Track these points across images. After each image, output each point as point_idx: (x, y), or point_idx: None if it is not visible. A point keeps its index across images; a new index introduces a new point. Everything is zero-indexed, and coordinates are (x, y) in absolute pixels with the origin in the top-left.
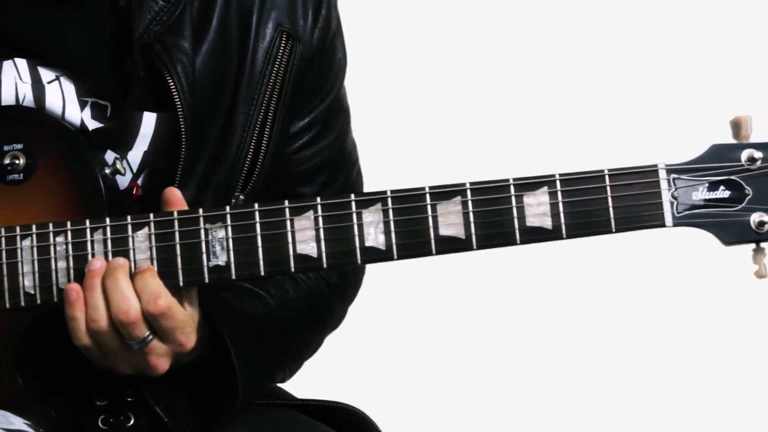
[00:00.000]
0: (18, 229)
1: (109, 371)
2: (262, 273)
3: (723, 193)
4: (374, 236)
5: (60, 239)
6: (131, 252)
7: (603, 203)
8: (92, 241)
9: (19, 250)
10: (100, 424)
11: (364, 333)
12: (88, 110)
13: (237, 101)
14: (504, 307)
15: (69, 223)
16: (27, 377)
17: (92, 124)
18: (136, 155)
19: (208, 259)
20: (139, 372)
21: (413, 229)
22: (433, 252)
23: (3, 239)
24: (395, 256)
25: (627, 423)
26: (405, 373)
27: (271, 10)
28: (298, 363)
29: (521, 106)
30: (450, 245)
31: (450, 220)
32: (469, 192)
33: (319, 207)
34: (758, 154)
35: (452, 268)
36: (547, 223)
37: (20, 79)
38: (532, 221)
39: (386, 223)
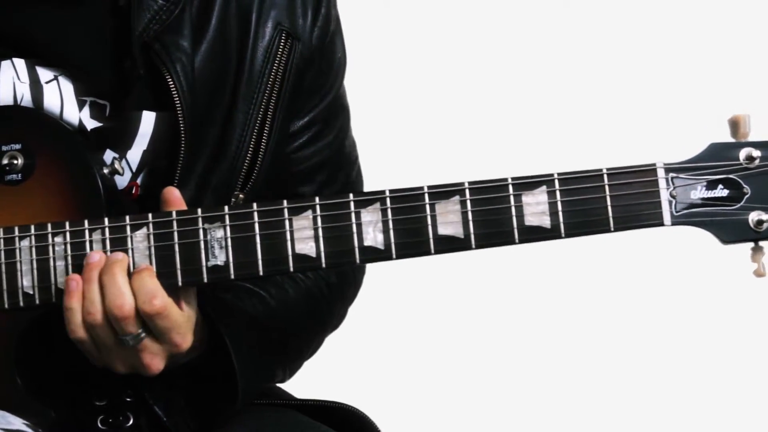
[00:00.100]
0: (16, 229)
1: (108, 372)
2: (261, 273)
3: (721, 191)
4: (373, 236)
5: (58, 239)
6: (130, 252)
7: (601, 202)
8: (91, 242)
9: (17, 251)
10: (100, 424)
11: (364, 333)
12: (86, 110)
13: (236, 100)
14: (503, 306)
15: (67, 224)
16: (26, 377)
17: (91, 124)
18: (135, 154)
19: (207, 259)
20: (134, 371)
21: (412, 229)
22: (432, 251)
23: (1, 240)
24: (394, 256)
25: (626, 422)
26: (405, 373)
27: (271, 9)
28: (298, 363)
29: (520, 105)
30: (449, 244)
31: (449, 220)
32: (467, 191)
33: (317, 207)
34: (756, 153)
35: (451, 267)
36: (546, 222)
37: (18, 79)
38: (530, 220)
39: (385, 223)
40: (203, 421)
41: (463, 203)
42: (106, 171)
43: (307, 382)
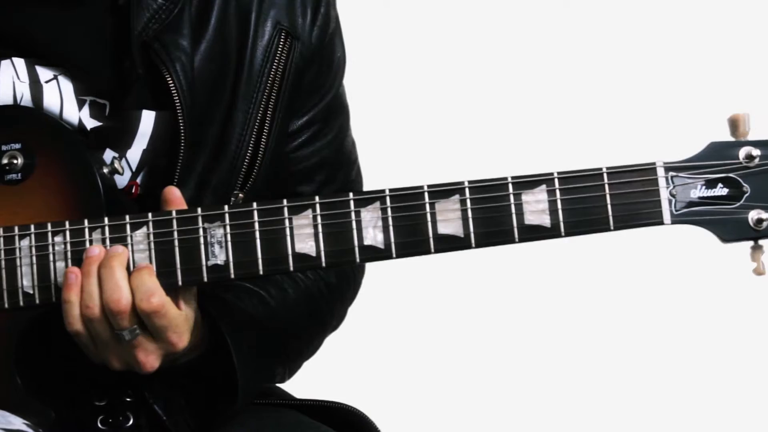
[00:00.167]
0: (16, 229)
1: (108, 371)
2: (261, 272)
3: (721, 190)
4: (373, 235)
5: (58, 239)
6: (130, 251)
7: (601, 201)
8: (91, 241)
9: (17, 250)
10: (100, 424)
11: (364, 333)
12: (86, 109)
13: (236, 99)
14: (503, 305)
15: (67, 223)
16: (26, 377)
17: (90, 123)
18: (135, 154)
19: (207, 258)
20: (129, 367)
21: (412, 228)
22: (432, 250)
23: (1, 239)
24: (394, 255)
25: (626, 421)
26: (405, 373)
27: (270, 9)
28: (298, 363)
29: (519, 104)
30: (449, 243)
31: (448, 219)
32: (467, 190)
33: (317, 206)
34: (756, 152)
35: (451, 266)
36: (546, 221)
37: (18, 78)
38: (530, 219)
39: (385, 222)
40: (203, 420)
41: (462, 202)
42: (105, 170)
43: (307, 382)
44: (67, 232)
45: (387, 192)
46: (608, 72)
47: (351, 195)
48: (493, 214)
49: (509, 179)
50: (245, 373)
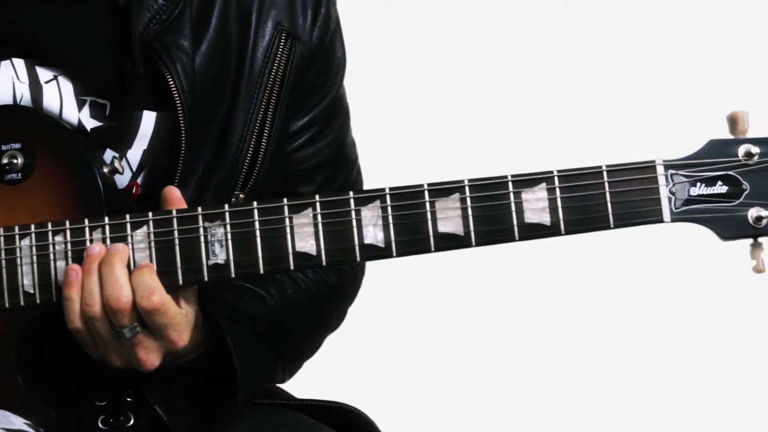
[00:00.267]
0: (17, 228)
1: (109, 372)
2: (262, 271)
3: (720, 188)
4: (373, 233)
5: (59, 238)
6: (130, 251)
7: (601, 199)
8: (91, 240)
9: (18, 250)
10: (100, 424)
11: (364, 333)
12: (86, 109)
13: (237, 100)
14: (503, 304)
15: (68, 223)
16: (27, 377)
17: (90, 123)
18: (135, 154)
19: (207, 258)
20: (130, 365)
21: (412, 226)
22: (432, 249)
23: (2, 239)
24: (394, 253)
25: (625, 420)
26: (405, 373)
27: (271, 9)
28: (298, 363)
29: (519, 103)
30: (449, 242)
31: (449, 217)
32: (467, 189)
33: (317, 204)
34: (755, 149)
35: (451, 265)
36: (546, 219)
37: (17, 78)
38: (530, 217)
39: (385, 220)
40: (204, 420)
41: (463, 200)
42: (106, 170)
43: (307, 382)
44: (68, 232)
45: (387, 190)
46: (607, 70)
47: (351, 194)
48: (493, 213)
49: (509, 177)
50: (246, 373)
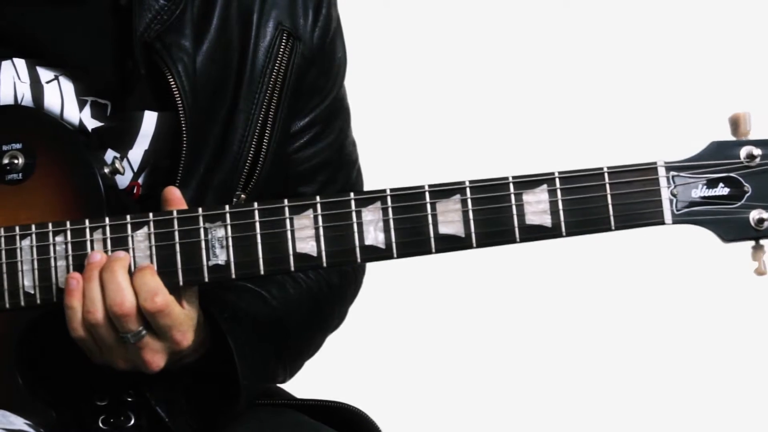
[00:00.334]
0: (17, 228)
1: (109, 372)
2: (262, 272)
3: (722, 190)
4: (374, 235)
5: (59, 239)
6: (131, 251)
7: (602, 201)
8: (92, 241)
9: (18, 250)
10: (101, 424)
11: (364, 333)
12: (87, 109)
13: (238, 100)
14: (504, 305)
15: (68, 223)
16: (28, 377)
17: (92, 123)
18: (136, 154)
19: (208, 258)
20: (135, 368)
21: (413, 228)
22: (433, 250)
23: (2, 239)
24: (395, 255)
25: (626, 421)
26: (405, 373)
27: (272, 10)
28: (299, 363)
29: (520, 104)
30: (449, 243)
31: (449, 219)
32: (468, 190)
33: (318, 206)
34: (757, 151)
35: (452, 266)
36: (547, 221)
37: (19, 78)
38: (531, 219)
39: (386, 222)
40: (204, 421)
41: (463, 202)
42: (106, 170)
43: (307, 382)
44: (68, 232)
45: (388, 192)
46: (609, 71)
47: (352, 195)
48: (494, 214)
49: (510, 179)
50: (247, 374)
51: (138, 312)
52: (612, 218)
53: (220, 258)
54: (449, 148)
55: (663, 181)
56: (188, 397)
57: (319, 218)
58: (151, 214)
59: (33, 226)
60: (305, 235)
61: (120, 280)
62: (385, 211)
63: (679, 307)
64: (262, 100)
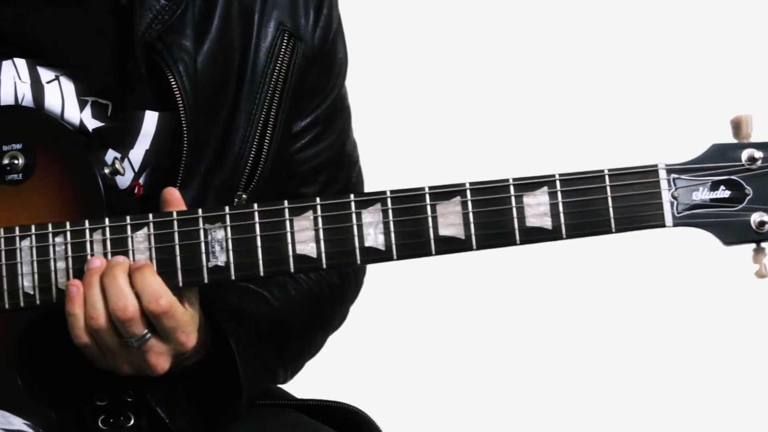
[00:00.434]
0: (17, 229)
1: (109, 371)
2: (262, 273)
3: (723, 193)
4: (374, 236)
5: (59, 239)
6: (130, 252)
7: (603, 203)
8: (91, 242)
9: (18, 251)
10: (101, 425)
11: (364, 333)
12: (88, 109)
13: (239, 101)
14: (504, 307)
15: (68, 224)
16: (27, 377)
17: (92, 124)
18: (137, 154)
19: (208, 260)
20: (140, 372)
21: (413, 230)
22: (433, 252)
23: (2, 240)
24: (395, 257)
25: (627, 423)
26: (405, 373)
27: (273, 10)
28: (300, 363)
29: (521, 106)
30: (450, 245)
31: (450, 221)
32: (468, 192)
33: (318, 207)
34: (759, 154)
35: (452, 268)
36: (547, 223)
37: (19, 78)
38: (531, 221)
39: (386, 224)
40: (205, 421)
41: (464, 204)
42: (106, 171)
43: (307, 382)
44: (68, 233)
45: (388, 193)
46: (610, 74)
47: (352, 196)
48: (494, 217)
49: (511, 181)
50: (248, 375)
51: (142, 315)
52: (612, 221)
53: (220, 259)
54: (450, 149)
55: (664, 184)
56: (189, 397)
57: (319, 220)
58: (150, 215)
59: (33, 227)
60: (305, 237)
61: (121, 284)
62: (385, 212)
63: (680, 310)
64: (264, 100)
